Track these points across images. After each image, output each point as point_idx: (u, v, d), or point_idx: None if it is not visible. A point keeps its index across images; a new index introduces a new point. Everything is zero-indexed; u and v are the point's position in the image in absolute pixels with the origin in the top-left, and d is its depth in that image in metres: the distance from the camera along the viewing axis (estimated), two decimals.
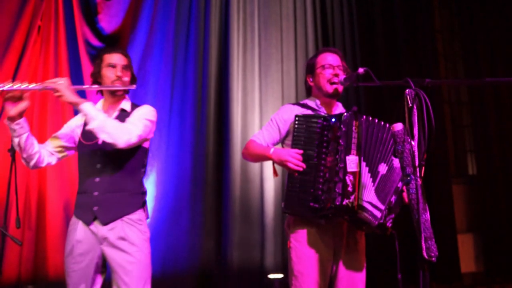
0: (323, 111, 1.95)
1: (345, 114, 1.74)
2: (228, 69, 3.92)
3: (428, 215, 1.27)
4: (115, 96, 2.01)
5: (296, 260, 1.82)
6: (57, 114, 3.33)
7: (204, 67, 3.86)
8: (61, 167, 3.29)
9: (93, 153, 1.93)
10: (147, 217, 2.02)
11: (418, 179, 1.28)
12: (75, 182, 3.27)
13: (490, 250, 4.41)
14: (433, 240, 1.24)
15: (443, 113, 4.63)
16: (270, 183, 3.84)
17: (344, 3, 4.36)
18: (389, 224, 1.76)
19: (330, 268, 1.83)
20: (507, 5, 4.87)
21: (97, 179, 1.90)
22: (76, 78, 3.37)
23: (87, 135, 1.93)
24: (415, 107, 1.31)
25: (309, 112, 1.92)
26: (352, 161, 1.69)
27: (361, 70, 1.67)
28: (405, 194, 1.80)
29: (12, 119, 1.78)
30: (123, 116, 1.95)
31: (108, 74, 1.95)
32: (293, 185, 1.77)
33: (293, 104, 2.03)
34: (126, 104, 2.03)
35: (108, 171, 1.90)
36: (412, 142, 1.31)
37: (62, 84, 1.79)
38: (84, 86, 1.89)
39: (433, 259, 1.22)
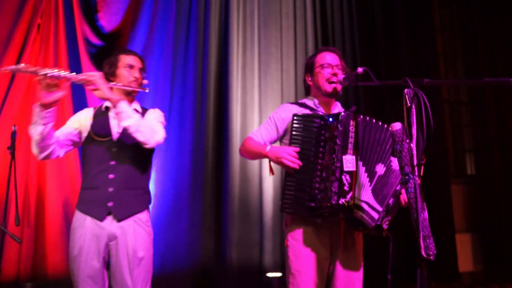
0: (321, 111, 1.96)
1: (343, 113, 1.75)
2: (228, 67, 3.93)
3: (426, 214, 1.27)
4: (129, 96, 2.03)
5: (294, 259, 1.82)
6: (58, 113, 3.33)
7: (203, 66, 3.86)
8: (60, 165, 3.30)
9: (107, 150, 1.93)
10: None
11: (417, 178, 1.29)
12: (74, 179, 3.31)
13: (489, 250, 4.43)
14: (431, 238, 1.25)
15: (443, 113, 4.64)
16: (269, 182, 3.85)
17: (344, 2, 4.36)
18: (385, 226, 1.76)
19: (327, 266, 1.83)
20: (507, 5, 4.88)
21: (111, 176, 1.91)
22: None
23: (99, 131, 1.95)
24: (413, 106, 1.32)
25: (307, 111, 1.92)
26: (349, 161, 1.69)
27: (360, 69, 1.68)
28: (402, 197, 1.81)
29: (45, 106, 1.77)
30: None
31: (126, 75, 1.99)
32: (290, 184, 1.77)
33: (292, 103, 2.03)
34: (137, 106, 2.07)
35: (122, 168, 1.92)
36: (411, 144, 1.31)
37: (99, 79, 1.82)
38: (111, 84, 1.92)
39: (431, 257, 1.23)
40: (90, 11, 3.61)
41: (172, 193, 3.59)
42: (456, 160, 5.03)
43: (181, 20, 3.85)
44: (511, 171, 4.58)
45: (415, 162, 1.29)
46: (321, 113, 1.90)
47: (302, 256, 1.80)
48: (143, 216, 1.96)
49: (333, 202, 1.65)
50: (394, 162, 1.77)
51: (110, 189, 1.89)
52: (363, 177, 1.73)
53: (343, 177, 1.67)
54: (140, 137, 1.84)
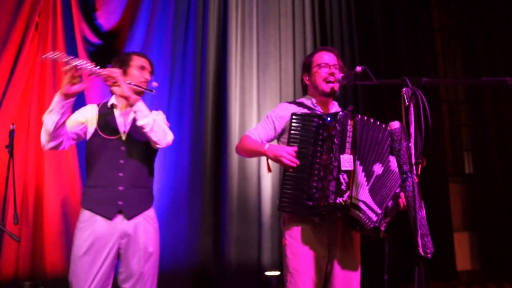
0: (319, 110, 1.96)
1: (340, 113, 1.75)
2: (226, 66, 3.93)
3: (424, 212, 1.28)
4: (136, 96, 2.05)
5: (291, 257, 1.83)
6: None
7: (202, 65, 3.86)
8: (58, 163, 3.29)
9: (115, 148, 1.94)
10: None
11: (415, 177, 1.30)
12: (72, 178, 3.31)
13: (486, 249, 4.44)
14: (429, 237, 1.25)
15: (441, 112, 4.65)
16: (267, 181, 3.85)
17: (343, 1, 4.37)
18: (382, 228, 1.77)
19: (325, 265, 1.84)
20: (506, 4, 4.89)
21: (121, 174, 1.92)
22: None
23: (106, 129, 1.96)
24: (412, 105, 1.32)
25: (305, 110, 1.93)
26: (346, 160, 1.70)
27: (358, 68, 1.68)
28: (401, 200, 1.81)
29: (67, 96, 1.78)
30: None
31: (138, 75, 2.02)
32: (288, 182, 1.78)
33: (289, 102, 2.03)
34: None
35: (130, 167, 1.94)
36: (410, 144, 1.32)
37: (121, 77, 1.86)
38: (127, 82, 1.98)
39: (429, 255, 1.23)
40: (88, 10, 3.60)
41: (171, 192, 3.59)
42: (454, 159, 5.05)
43: (180, 19, 3.85)
44: (509, 170, 4.60)
45: (413, 161, 1.30)
46: (319, 113, 1.91)
47: (300, 255, 1.81)
48: (151, 213, 2.00)
49: (331, 201, 1.66)
50: (393, 162, 1.77)
51: (120, 188, 1.91)
52: (361, 176, 1.74)
53: (340, 176, 1.68)
54: (154, 136, 1.88)
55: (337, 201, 1.65)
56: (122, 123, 2.00)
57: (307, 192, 1.73)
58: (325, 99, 2.00)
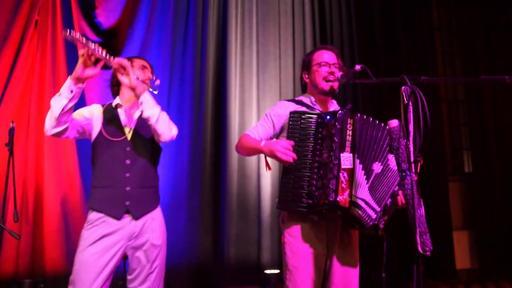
0: (318, 108, 1.96)
1: (340, 111, 1.75)
2: (226, 65, 3.93)
3: (423, 210, 1.28)
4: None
5: (291, 255, 1.83)
6: None
7: (202, 63, 3.86)
8: (58, 162, 3.30)
9: (122, 149, 1.96)
10: None
11: (413, 175, 1.30)
12: (72, 177, 3.31)
13: (485, 247, 4.45)
14: (428, 234, 1.25)
15: (440, 110, 4.65)
16: (267, 179, 3.86)
17: (342, 0, 4.36)
18: (381, 225, 1.77)
19: (324, 262, 1.84)
20: (506, 4, 4.89)
21: (128, 174, 1.93)
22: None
23: (110, 130, 1.97)
24: (411, 104, 1.33)
25: (304, 108, 1.93)
26: (346, 158, 1.70)
27: (357, 67, 1.68)
28: (399, 198, 1.82)
29: (78, 80, 1.79)
30: None
31: (141, 74, 2.04)
32: (287, 181, 1.77)
33: (288, 100, 2.03)
34: None
35: (137, 167, 1.95)
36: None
37: (130, 67, 1.87)
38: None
39: (428, 253, 1.24)
40: (88, 8, 3.60)
41: (170, 190, 3.60)
42: (454, 158, 5.05)
43: (179, 17, 3.85)
44: (508, 169, 4.60)
45: (411, 159, 1.30)
46: (318, 111, 1.91)
47: (299, 253, 1.81)
48: (158, 212, 2.03)
49: (331, 199, 1.66)
50: (392, 161, 1.78)
51: (127, 188, 1.92)
52: (360, 175, 1.74)
53: (340, 174, 1.67)
54: (159, 128, 1.88)
55: (338, 199, 1.65)
56: (127, 122, 2.01)
57: (306, 190, 1.73)
58: (324, 97, 2.00)
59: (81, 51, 1.77)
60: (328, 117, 1.75)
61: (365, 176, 1.75)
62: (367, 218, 1.71)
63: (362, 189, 1.73)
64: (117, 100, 2.06)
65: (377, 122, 1.81)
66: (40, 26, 3.43)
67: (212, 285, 3.60)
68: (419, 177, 1.34)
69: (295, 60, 4.12)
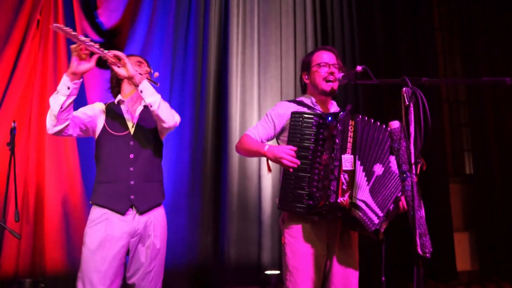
0: (318, 109, 1.96)
1: (342, 113, 1.75)
2: (227, 65, 3.93)
3: (423, 212, 1.28)
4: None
5: (291, 256, 1.83)
6: None
7: (203, 63, 3.86)
8: (59, 161, 3.30)
9: (125, 144, 1.96)
10: None
11: (414, 176, 1.30)
12: (73, 176, 3.32)
13: (486, 249, 4.44)
14: (428, 236, 1.25)
15: (441, 112, 4.65)
16: (267, 179, 3.85)
17: (344, 0, 4.36)
18: (382, 230, 1.77)
19: (324, 263, 1.84)
20: (507, 4, 4.88)
21: (132, 168, 1.94)
22: None
23: (113, 125, 1.98)
24: (411, 105, 1.32)
25: (305, 109, 1.93)
26: (347, 160, 1.70)
27: (359, 68, 1.69)
28: (400, 203, 1.81)
29: (75, 75, 1.78)
30: (147, 111, 2.04)
31: (138, 69, 2.03)
32: (288, 181, 1.78)
33: (289, 101, 2.04)
34: None
35: (141, 162, 1.96)
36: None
37: (126, 57, 1.86)
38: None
39: (427, 255, 1.24)
40: (89, 8, 3.60)
41: (171, 190, 3.60)
42: (455, 159, 5.04)
43: (181, 17, 3.85)
44: (509, 170, 4.59)
45: (412, 160, 1.30)
46: (318, 112, 1.91)
47: (299, 253, 1.81)
48: (161, 210, 2.04)
49: (332, 201, 1.66)
50: (393, 163, 1.77)
51: (132, 182, 1.92)
52: (361, 176, 1.74)
53: (341, 176, 1.68)
54: (162, 114, 1.89)
55: (338, 200, 1.65)
56: (130, 118, 2.02)
57: (307, 191, 1.73)
58: (324, 98, 2.00)
59: (72, 46, 1.76)
60: (329, 118, 1.76)
61: (366, 178, 1.74)
62: (368, 222, 1.70)
63: (362, 191, 1.72)
64: (119, 97, 2.07)
65: (378, 123, 1.81)
66: (42, 25, 3.43)
67: (212, 285, 3.60)
68: (419, 178, 1.34)
69: (297, 60, 4.12)
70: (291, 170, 1.76)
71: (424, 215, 1.28)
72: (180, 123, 3.64)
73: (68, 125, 1.85)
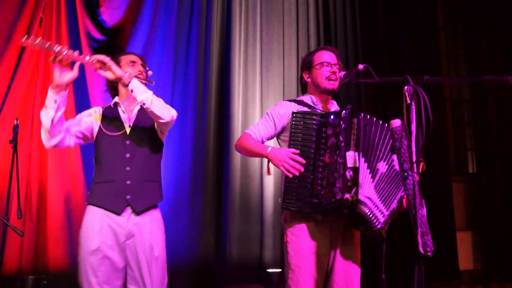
0: (319, 108, 1.96)
1: (344, 111, 1.75)
2: (230, 63, 3.93)
3: (425, 210, 1.28)
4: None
5: (293, 254, 1.83)
6: None
7: (205, 62, 3.86)
8: (61, 159, 3.31)
9: (121, 143, 1.94)
10: None
11: (415, 175, 1.29)
12: (75, 174, 3.33)
13: (489, 248, 4.43)
14: (429, 235, 1.25)
15: (444, 110, 4.63)
16: (269, 178, 3.85)
17: None
18: (385, 228, 1.77)
19: (326, 262, 1.84)
20: (510, 3, 4.85)
21: (128, 168, 1.91)
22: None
23: (110, 126, 1.97)
24: (413, 104, 1.32)
25: (306, 108, 1.93)
26: (351, 157, 1.70)
27: (361, 66, 1.68)
28: (404, 201, 1.81)
29: (59, 87, 1.77)
30: (144, 110, 2.01)
31: (131, 71, 2.00)
32: (291, 180, 1.78)
33: (289, 100, 2.04)
34: None
35: (137, 161, 1.93)
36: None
37: (110, 60, 1.83)
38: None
39: (429, 253, 1.23)
40: (92, 6, 3.61)
41: (173, 189, 3.61)
42: (457, 158, 5.03)
43: (183, 15, 3.85)
44: None
45: (414, 159, 1.30)
46: (319, 111, 1.91)
47: (301, 252, 1.81)
48: (157, 214, 2.00)
49: (338, 198, 1.65)
50: (396, 162, 1.77)
51: (128, 182, 1.90)
52: (366, 173, 1.74)
53: (347, 173, 1.67)
54: (157, 111, 1.85)
55: (345, 197, 1.65)
56: (127, 118, 2.01)
57: (311, 189, 1.73)
58: (325, 97, 2.00)
59: (51, 58, 1.73)
60: (332, 116, 1.76)
61: (370, 175, 1.74)
62: (374, 219, 1.70)
63: (367, 187, 1.72)
64: (115, 99, 2.06)
65: (381, 122, 1.81)
66: (44, 24, 3.44)
67: (214, 283, 3.60)
68: (422, 177, 1.34)
69: (299, 59, 4.10)
70: (290, 176, 1.76)
71: (425, 213, 1.27)
72: (182, 122, 3.69)
73: (63, 137, 1.86)
